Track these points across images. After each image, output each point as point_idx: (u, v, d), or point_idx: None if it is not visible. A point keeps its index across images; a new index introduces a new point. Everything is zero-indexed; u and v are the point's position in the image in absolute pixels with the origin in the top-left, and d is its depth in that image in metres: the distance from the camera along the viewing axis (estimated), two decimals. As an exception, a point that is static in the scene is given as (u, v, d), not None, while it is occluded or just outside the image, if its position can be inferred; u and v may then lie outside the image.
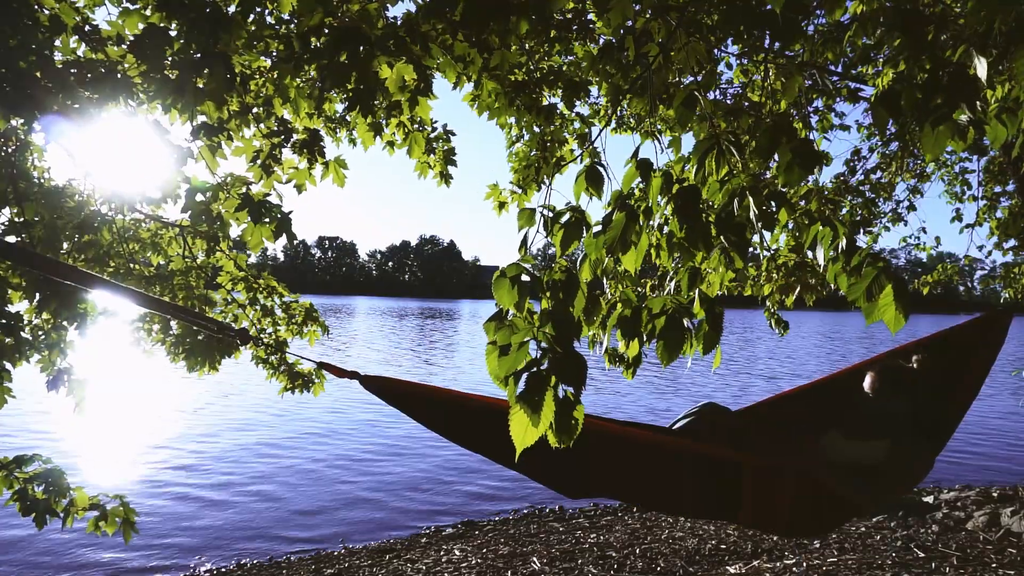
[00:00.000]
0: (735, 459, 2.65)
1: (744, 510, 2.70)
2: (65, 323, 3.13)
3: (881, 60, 4.12)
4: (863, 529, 5.56)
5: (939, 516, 5.76)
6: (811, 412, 3.13)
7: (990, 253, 6.51)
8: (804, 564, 4.69)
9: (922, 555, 4.75)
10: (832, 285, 1.49)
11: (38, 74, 2.26)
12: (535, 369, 1.28)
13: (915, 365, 2.88)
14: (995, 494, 6.57)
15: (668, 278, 2.02)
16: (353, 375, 2.52)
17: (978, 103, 1.27)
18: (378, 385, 2.58)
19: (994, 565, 4.47)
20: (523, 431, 1.24)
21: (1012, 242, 6.03)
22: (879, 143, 6.31)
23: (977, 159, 6.27)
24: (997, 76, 2.03)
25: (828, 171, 8.97)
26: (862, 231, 6.23)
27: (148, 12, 2.57)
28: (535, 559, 5.06)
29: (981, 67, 1.16)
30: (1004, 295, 6.27)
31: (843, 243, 1.48)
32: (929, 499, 6.53)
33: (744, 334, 35.03)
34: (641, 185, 1.75)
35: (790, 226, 4.03)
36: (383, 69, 2.60)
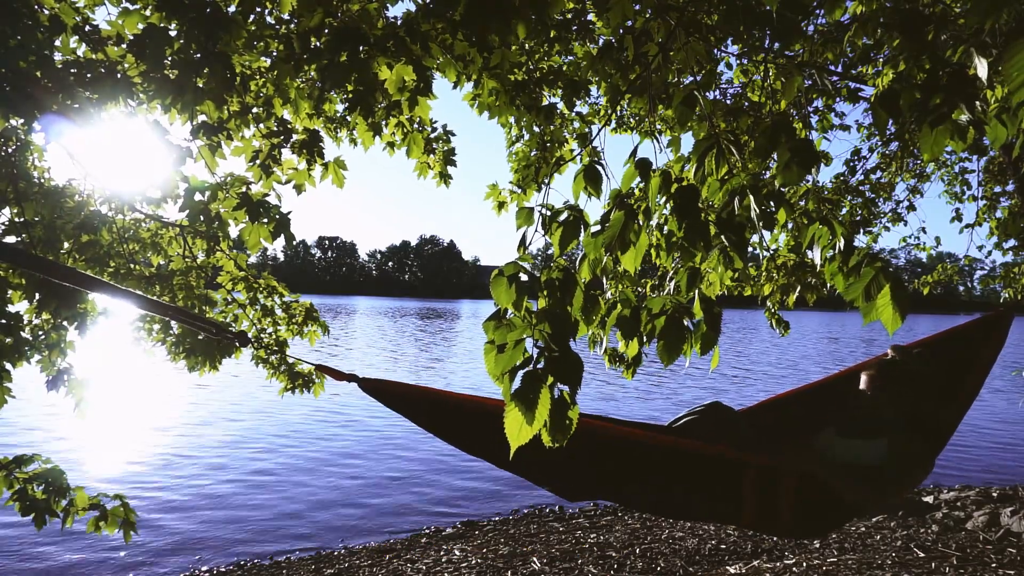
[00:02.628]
0: (737, 459, 2.64)
1: (746, 512, 2.68)
2: (65, 323, 3.13)
3: (881, 60, 4.12)
4: (863, 529, 5.56)
5: (939, 516, 5.75)
6: (808, 413, 3.11)
7: (990, 253, 6.51)
8: (804, 564, 4.69)
9: (922, 555, 4.75)
10: (830, 284, 1.50)
11: (38, 74, 2.26)
12: (531, 367, 1.28)
13: (913, 364, 2.86)
14: (995, 494, 6.57)
15: (668, 278, 2.02)
16: (351, 378, 2.52)
17: (978, 103, 1.26)
18: (376, 387, 2.58)
19: (994, 565, 4.47)
20: (518, 429, 1.24)
21: (1012, 242, 6.02)
22: (879, 143, 6.31)
23: (977, 159, 6.27)
24: (997, 76, 2.03)
25: (828, 171, 8.97)
26: (862, 231, 6.23)
27: (148, 12, 2.57)
28: (535, 559, 5.06)
29: (981, 67, 1.16)
30: (1004, 295, 6.27)
31: (840, 243, 1.48)
32: (929, 499, 6.52)
33: (744, 334, 35.03)
34: (640, 185, 1.75)
35: (789, 226, 4.03)
36: (383, 70, 2.60)
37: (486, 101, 3.37)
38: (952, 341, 2.89)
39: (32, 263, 2.10)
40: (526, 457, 2.62)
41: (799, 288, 4.80)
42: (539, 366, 1.28)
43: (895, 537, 5.25)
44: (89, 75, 2.46)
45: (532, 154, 4.15)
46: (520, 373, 1.29)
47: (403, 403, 2.64)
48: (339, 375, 2.52)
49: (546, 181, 4.07)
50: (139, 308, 2.25)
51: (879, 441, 2.68)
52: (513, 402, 1.23)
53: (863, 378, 2.82)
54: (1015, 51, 0.96)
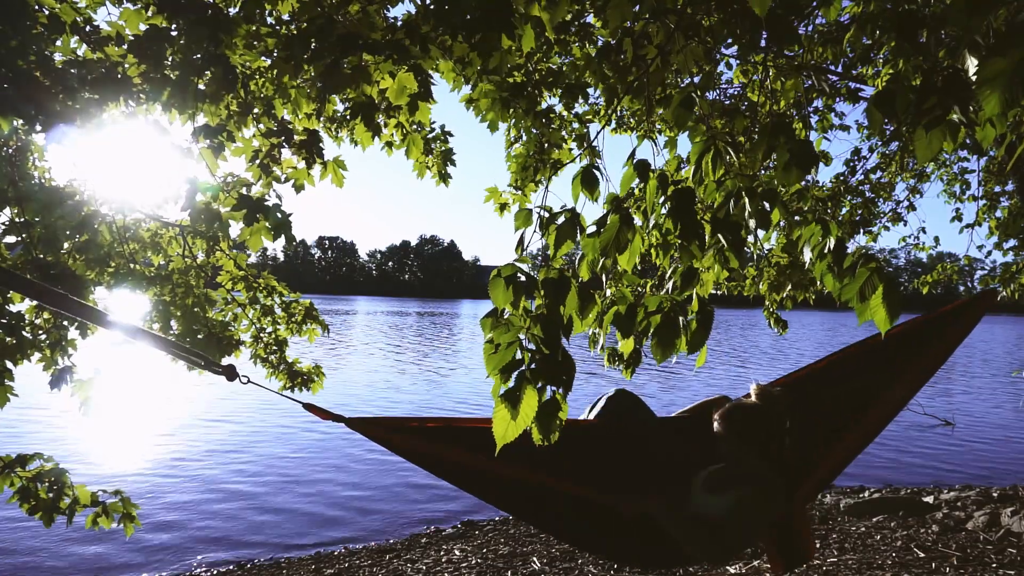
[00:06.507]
0: (577, 494, 2.69)
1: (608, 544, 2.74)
2: (65, 322, 3.14)
3: (880, 60, 4.13)
4: (863, 529, 5.56)
5: (939, 516, 5.76)
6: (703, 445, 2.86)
7: (989, 253, 6.52)
8: (804, 564, 4.69)
9: (922, 555, 4.75)
10: (819, 283, 1.51)
11: (38, 74, 2.27)
12: (523, 368, 1.30)
13: (773, 408, 2.65)
14: (995, 494, 6.58)
15: (667, 277, 2.03)
16: (338, 418, 2.55)
17: (972, 104, 1.27)
18: (365, 427, 2.62)
19: (994, 565, 4.47)
20: (504, 428, 1.26)
21: (1012, 242, 6.03)
22: (879, 143, 6.31)
23: (977, 159, 6.28)
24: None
25: (828, 171, 8.98)
26: (862, 231, 6.24)
27: (149, 13, 2.58)
28: (535, 559, 5.07)
29: (973, 68, 1.17)
30: (1003, 294, 6.27)
31: (831, 242, 1.49)
32: (929, 499, 6.53)
33: (747, 333, 35.07)
34: (640, 186, 1.76)
35: (781, 224, 4.03)
36: (385, 78, 2.61)
37: (483, 104, 3.38)
38: (924, 331, 2.81)
39: (28, 289, 2.09)
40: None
41: (790, 286, 4.81)
42: (532, 367, 1.29)
43: (895, 537, 5.25)
44: (90, 76, 2.46)
45: (530, 156, 4.16)
46: (514, 373, 1.31)
47: (391, 444, 2.67)
48: (327, 415, 2.54)
49: (544, 182, 4.08)
50: (130, 338, 2.27)
51: (727, 496, 2.52)
52: (501, 400, 1.25)
53: (715, 420, 2.66)
54: (988, 69, 0.98)
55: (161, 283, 3.60)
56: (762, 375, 18.25)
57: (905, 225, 6.68)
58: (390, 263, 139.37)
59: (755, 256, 5.17)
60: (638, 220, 1.74)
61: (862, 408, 2.74)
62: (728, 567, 4.78)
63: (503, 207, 4.31)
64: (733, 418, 2.59)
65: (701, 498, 2.60)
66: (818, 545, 5.16)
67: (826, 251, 1.50)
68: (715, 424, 2.65)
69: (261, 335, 3.93)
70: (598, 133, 2.43)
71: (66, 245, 3.16)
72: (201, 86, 2.43)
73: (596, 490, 2.70)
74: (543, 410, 1.24)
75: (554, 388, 1.29)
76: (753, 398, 2.69)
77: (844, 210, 6.15)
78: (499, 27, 1.96)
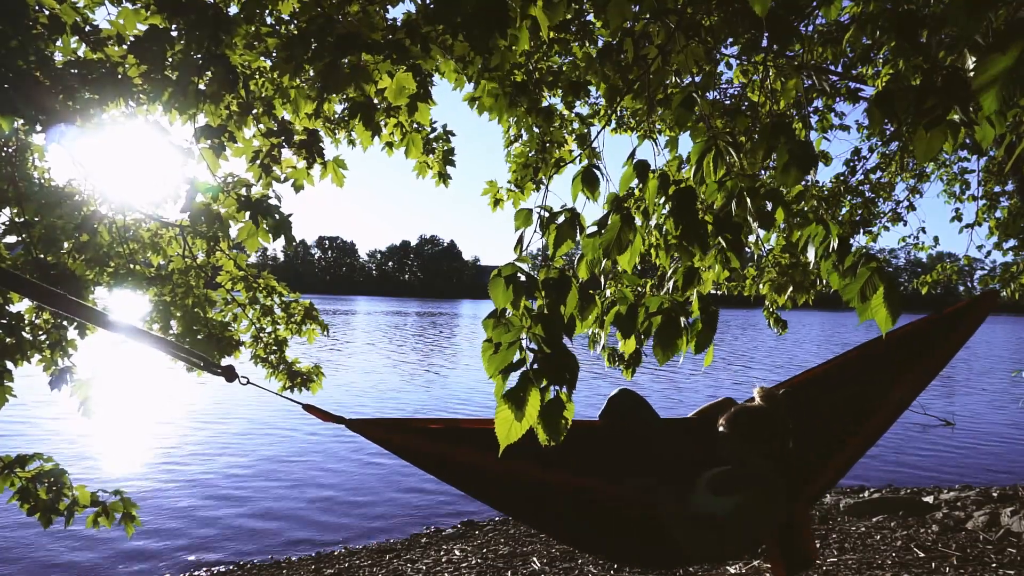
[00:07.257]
0: (582, 487, 2.68)
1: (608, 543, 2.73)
2: (65, 323, 3.14)
3: (881, 60, 4.13)
4: (863, 529, 5.56)
5: (939, 516, 5.76)
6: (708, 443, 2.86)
7: (989, 253, 6.52)
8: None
9: (922, 555, 4.75)
10: (824, 281, 1.51)
11: (38, 74, 2.27)
12: (525, 368, 1.30)
13: (771, 407, 2.65)
14: (995, 494, 6.58)
15: (667, 277, 2.03)
16: (339, 420, 2.56)
17: (971, 104, 1.27)
18: (365, 429, 2.62)
19: (994, 565, 4.47)
20: (507, 428, 1.26)
21: (1012, 242, 6.03)
22: (879, 143, 6.31)
23: (977, 159, 6.28)
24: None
25: (828, 171, 8.99)
26: (862, 231, 6.24)
27: (148, 13, 2.58)
28: (535, 559, 5.07)
29: (973, 67, 1.17)
30: (1003, 294, 6.27)
31: (835, 242, 1.49)
32: (929, 499, 6.53)
33: (747, 333, 35.06)
34: (639, 185, 1.76)
35: (781, 226, 4.03)
36: (384, 78, 2.61)
37: (486, 102, 3.38)
38: (923, 333, 2.81)
39: (27, 289, 2.08)
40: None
41: (791, 288, 4.81)
42: (534, 366, 1.29)
43: (895, 537, 5.25)
44: (90, 76, 2.46)
45: (531, 155, 4.15)
46: (515, 373, 1.31)
47: (391, 445, 2.68)
48: (327, 416, 2.56)
49: (544, 181, 4.08)
50: (130, 338, 2.27)
51: (731, 498, 2.53)
52: (504, 401, 1.25)
53: (721, 422, 2.66)
54: (986, 67, 0.98)
55: (161, 283, 3.60)
56: (761, 375, 18.26)
57: (905, 225, 6.68)
58: (390, 263, 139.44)
59: (756, 256, 5.17)
60: (638, 220, 1.74)
61: (865, 413, 2.75)
62: (728, 567, 4.78)
63: (497, 202, 4.30)
64: (739, 421, 2.60)
65: (704, 498, 2.60)
66: (818, 545, 5.16)
67: (830, 250, 1.50)
68: (720, 427, 2.67)
69: (261, 335, 3.92)
70: (598, 133, 2.43)
71: (66, 245, 3.16)
72: (201, 86, 2.43)
73: (598, 488, 2.70)
74: (548, 409, 1.24)
75: (558, 387, 1.28)
76: (757, 400, 2.70)
77: (844, 210, 6.15)
78: (494, 26, 1.96)
